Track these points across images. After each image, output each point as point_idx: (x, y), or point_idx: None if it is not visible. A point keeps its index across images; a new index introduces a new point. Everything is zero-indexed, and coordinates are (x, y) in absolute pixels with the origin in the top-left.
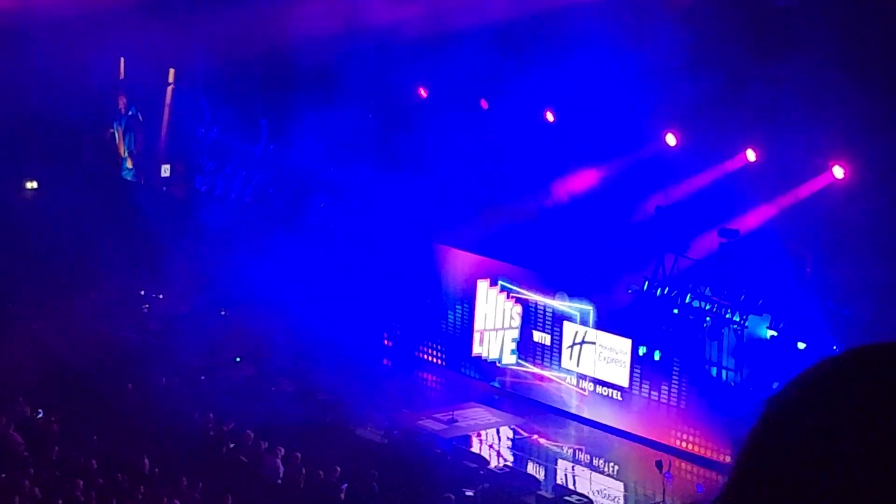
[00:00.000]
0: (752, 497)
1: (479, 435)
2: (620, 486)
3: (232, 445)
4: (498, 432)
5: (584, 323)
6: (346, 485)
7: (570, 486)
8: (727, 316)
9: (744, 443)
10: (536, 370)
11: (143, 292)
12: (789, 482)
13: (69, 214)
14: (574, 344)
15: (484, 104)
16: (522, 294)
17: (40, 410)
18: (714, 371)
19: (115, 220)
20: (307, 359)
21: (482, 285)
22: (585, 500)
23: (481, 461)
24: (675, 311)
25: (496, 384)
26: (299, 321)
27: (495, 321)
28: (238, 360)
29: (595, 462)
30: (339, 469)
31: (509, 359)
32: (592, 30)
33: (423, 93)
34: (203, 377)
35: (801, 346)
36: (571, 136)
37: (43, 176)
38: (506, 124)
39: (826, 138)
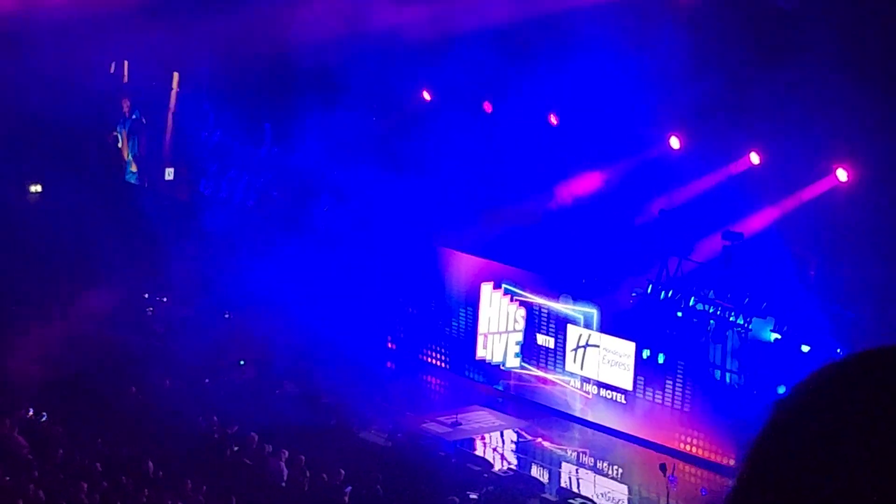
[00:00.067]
0: (757, 501)
1: (482, 438)
2: (624, 489)
3: (236, 448)
4: (502, 435)
5: (587, 326)
6: (349, 488)
7: (574, 490)
8: (731, 319)
9: (750, 447)
10: (540, 373)
11: (146, 295)
12: (793, 486)
13: (73, 217)
14: (578, 347)
15: (488, 107)
16: (526, 297)
17: (44, 413)
18: (718, 374)
19: (118, 223)
20: (311, 361)
21: (486, 288)
22: (589, 503)
23: (485, 464)
24: (679, 314)
25: (500, 387)
26: (303, 324)
27: (499, 324)
28: (242, 362)
29: (599, 465)
30: (342, 472)
31: (513, 362)
32: (596, 33)
33: (426, 96)
34: (207, 380)
35: (805, 348)
36: (575, 139)
37: (47, 179)
38: (509, 127)
39: (829, 141)
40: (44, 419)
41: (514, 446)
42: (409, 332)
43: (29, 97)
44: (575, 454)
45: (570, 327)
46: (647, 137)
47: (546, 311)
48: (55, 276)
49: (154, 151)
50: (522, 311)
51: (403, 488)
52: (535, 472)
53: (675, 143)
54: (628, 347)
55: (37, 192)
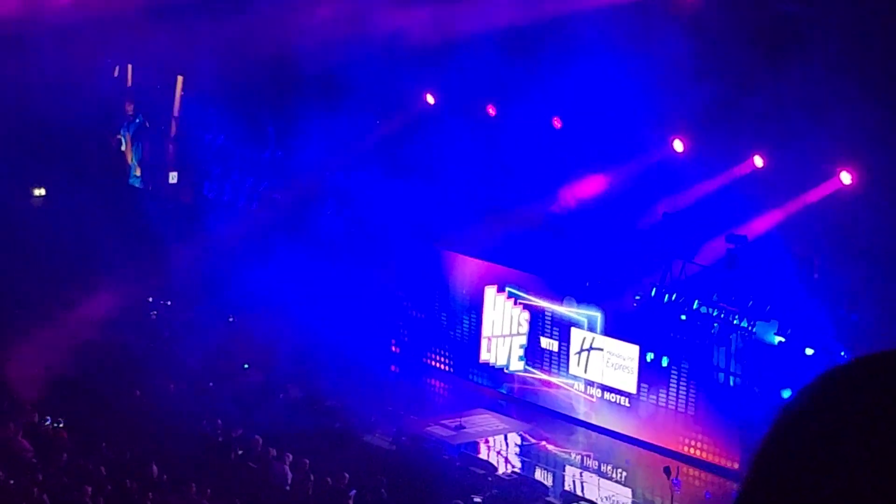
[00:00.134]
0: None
1: (486, 441)
2: (628, 492)
3: (240, 452)
4: (506, 439)
5: (591, 329)
6: (354, 491)
7: (578, 493)
8: (735, 322)
9: (755, 451)
10: (544, 376)
11: (150, 299)
12: (796, 488)
13: (77, 221)
14: (582, 350)
15: (491, 110)
16: (530, 300)
17: (48, 417)
18: (722, 377)
19: (122, 226)
20: (315, 365)
21: (490, 292)
22: None
23: (489, 467)
24: (683, 317)
25: (504, 391)
26: (307, 327)
27: (503, 328)
28: (246, 366)
29: (603, 468)
30: (347, 475)
31: (517, 365)
32: (600, 36)
33: (430, 99)
34: (211, 384)
35: (809, 352)
36: (579, 142)
37: (51, 183)
38: (513, 130)
39: (833, 144)
40: (48, 423)
41: (517, 449)
42: (413, 335)
43: (33, 100)
44: (579, 457)
45: (573, 330)
46: (650, 140)
47: (550, 314)
48: (59, 279)
49: (158, 155)
50: (526, 315)
51: (407, 492)
52: (539, 475)
53: (678, 146)
54: (632, 350)
55: (40, 196)
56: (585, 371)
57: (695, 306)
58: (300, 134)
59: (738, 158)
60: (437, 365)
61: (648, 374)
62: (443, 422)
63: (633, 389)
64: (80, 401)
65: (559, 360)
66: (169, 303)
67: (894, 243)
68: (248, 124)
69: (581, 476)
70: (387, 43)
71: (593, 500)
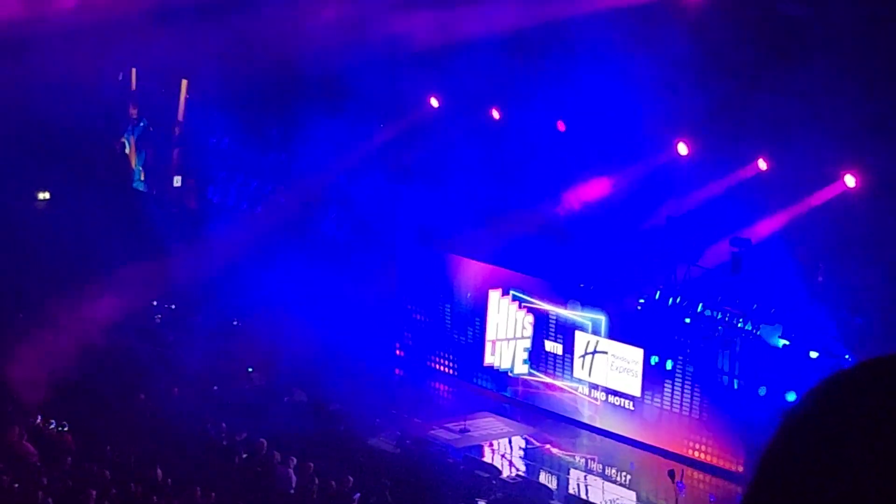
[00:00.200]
0: None
1: (491, 444)
2: (633, 495)
3: (244, 455)
4: (510, 442)
5: (596, 332)
6: (358, 495)
7: (583, 496)
8: (739, 325)
9: (761, 455)
10: (548, 380)
11: (155, 303)
12: (801, 491)
13: (81, 225)
14: (586, 353)
15: (496, 114)
16: (534, 304)
17: (53, 420)
18: (726, 380)
19: (126, 230)
20: (319, 369)
21: (494, 295)
22: None
23: (493, 471)
24: (687, 320)
25: (508, 394)
26: (311, 331)
27: (507, 331)
28: (250, 370)
29: (607, 471)
30: (351, 479)
31: (521, 368)
32: (603, 39)
33: (434, 102)
34: (215, 387)
35: (814, 355)
36: (583, 145)
37: (55, 186)
38: (517, 134)
39: (837, 147)
40: (52, 426)
41: (522, 453)
42: (417, 338)
43: (37, 104)
44: (583, 461)
45: (578, 334)
46: (654, 144)
47: (554, 317)
48: (63, 283)
49: (162, 159)
50: (530, 318)
51: (412, 495)
52: (544, 478)
53: (682, 149)
54: (636, 354)
55: (45, 199)
56: (590, 374)
57: (699, 309)
58: (304, 137)
59: (743, 161)
60: (442, 368)
61: (653, 377)
62: (447, 425)
63: (637, 393)
64: (85, 404)
65: (563, 363)
66: (173, 306)
67: None
68: (252, 128)
69: (585, 479)
70: (391, 46)
71: (597, 503)
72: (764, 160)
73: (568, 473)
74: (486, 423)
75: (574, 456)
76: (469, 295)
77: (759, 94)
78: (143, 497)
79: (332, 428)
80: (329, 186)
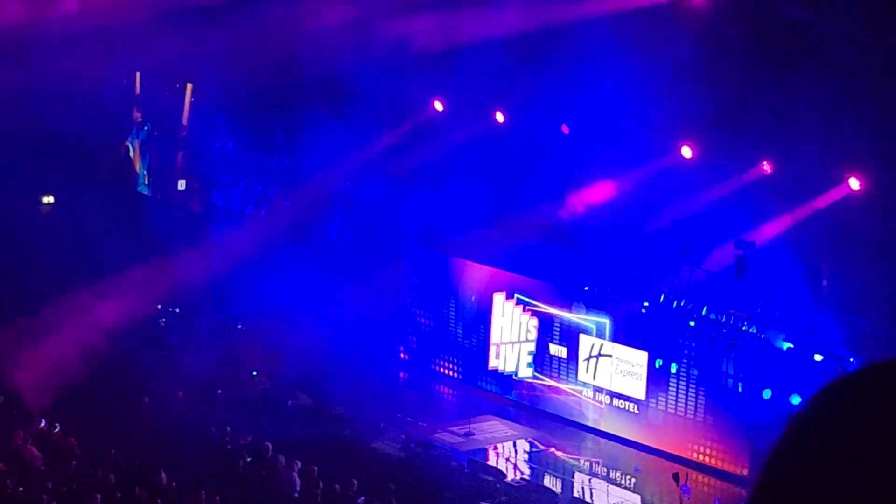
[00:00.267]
0: None
1: (495, 448)
2: (637, 498)
3: (249, 459)
4: (515, 445)
5: (600, 336)
6: (363, 498)
7: (587, 499)
8: (743, 328)
9: (765, 458)
10: (553, 383)
11: (159, 306)
12: (806, 495)
13: (85, 228)
14: (590, 357)
15: (500, 117)
16: (539, 307)
17: (57, 425)
18: (730, 383)
19: (131, 233)
20: (323, 372)
21: (498, 298)
22: None
23: (498, 474)
24: (692, 323)
25: (512, 397)
26: (315, 334)
27: (511, 334)
28: (255, 373)
29: (612, 475)
30: (355, 482)
31: (526, 372)
32: (608, 43)
33: (438, 106)
34: (220, 391)
35: (818, 358)
36: (587, 148)
37: (59, 190)
38: (522, 137)
39: (842, 150)
40: (57, 430)
41: (526, 456)
42: (422, 342)
43: (41, 108)
44: (588, 464)
45: (582, 337)
46: (659, 147)
47: (558, 321)
48: (68, 286)
49: (166, 162)
50: (535, 321)
51: (416, 499)
52: (548, 481)
53: (687, 152)
54: (641, 357)
55: (49, 203)
56: (594, 378)
57: (703, 312)
58: (309, 141)
59: (747, 164)
60: (446, 372)
61: (657, 380)
62: (452, 428)
63: (641, 396)
64: (89, 408)
65: (568, 366)
66: (177, 310)
67: None
68: (256, 132)
69: (590, 483)
70: (395, 50)
71: None
72: (768, 163)
73: (572, 477)
74: (491, 427)
75: (579, 459)
76: (473, 298)
77: (763, 97)
78: (147, 501)
79: (336, 431)
80: (333, 190)
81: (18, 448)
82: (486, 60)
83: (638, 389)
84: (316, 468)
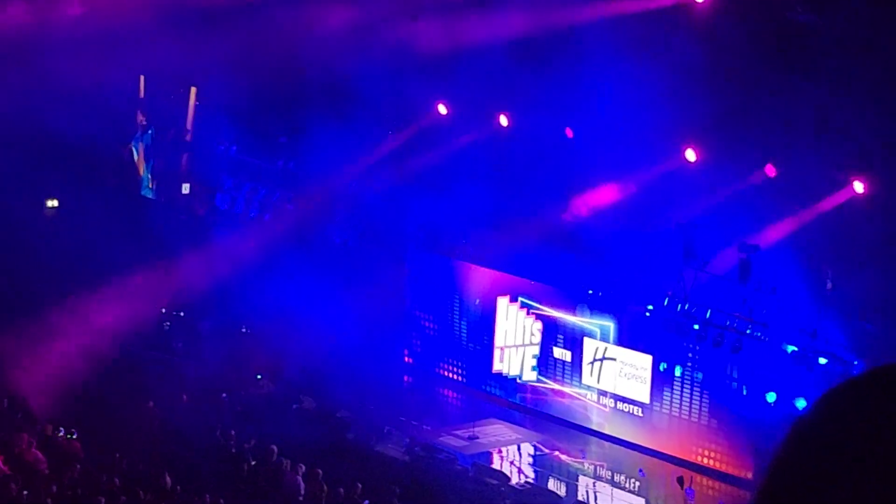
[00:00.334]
0: None
1: (499, 451)
2: (642, 502)
3: (253, 462)
4: (519, 449)
5: (604, 339)
6: (367, 502)
7: (592, 503)
8: (748, 331)
9: (769, 461)
10: (557, 386)
11: (163, 310)
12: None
13: (90, 232)
14: (595, 360)
15: (504, 120)
16: (543, 310)
17: (62, 428)
18: (735, 386)
19: (135, 237)
20: (328, 376)
21: (502, 302)
22: None
23: (502, 477)
24: (696, 326)
25: (517, 400)
26: (319, 338)
27: (516, 338)
28: (259, 377)
29: (616, 478)
30: (360, 486)
31: (530, 375)
32: (612, 46)
33: (442, 109)
34: (224, 394)
35: (823, 361)
36: (591, 151)
37: (63, 194)
38: (526, 140)
39: (846, 153)
40: (61, 434)
41: (531, 460)
42: (426, 345)
43: (44, 112)
44: (592, 467)
45: (586, 340)
46: (663, 150)
47: (562, 324)
48: (72, 290)
49: (171, 166)
50: (539, 325)
51: (420, 502)
52: (553, 485)
53: (691, 155)
54: (645, 360)
55: (53, 207)
56: (598, 381)
57: (707, 315)
58: (312, 145)
59: (751, 167)
60: (450, 375)
61: (661, 383)
62: (456, 432)
63: (646, 399)
64: (94, 412)
65: (572, 370)
66: (182, 314)
67: None
68: (260, 135)
69: (594, 486)
70: (399, 53)
71: None
72: (772, 166)
73: (577, 480)
74: (495, 430)
75: (583, 463)
76: (477, 302)
77: (767, 100)
78: None
79: (340, 435)
80: (337, 193)
81: (23, 452)
82: (489, 64)
83: (642, 393)
84: (320, 471)
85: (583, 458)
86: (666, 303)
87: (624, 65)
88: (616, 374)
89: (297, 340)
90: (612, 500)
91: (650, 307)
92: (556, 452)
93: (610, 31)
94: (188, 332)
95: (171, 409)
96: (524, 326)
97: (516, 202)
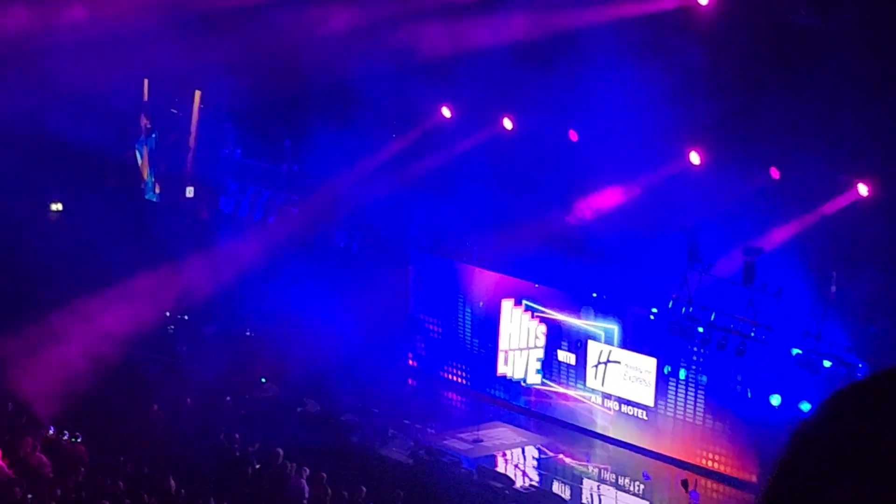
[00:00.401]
0: None
1: (504, 454)
2: None
3: (258, 466)
4: (523, 452)
5: (608, 342)
6: None
7: None
8: (752, 334)
9: (774, 465)
10: (561, 389)
11: (167, 313)
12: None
13: (94, 236)
14: (599, 363)
15: (508, 123)
16: (547, 313)
17: (66, 432)
18: (739, 389)
19: (139, 241)
20: (332, 379)
21: (507, 305)
22: None
23: (507, 481)
24: (700, 329)
25: (521, 404)
26: (324, 341)
27: (520, 341)
28: (263, 380)
29: (621, 481)
30: (364, 489)
31: (534, 378)
32: (615, 49)
33: (446, 112)
34: (228, 398)
35: (827, 364)
36: (595, 154)
37: (68, 197)
38: (530, 143)
39: (850, 156)
40: (65, 438)
41: (535, 463)
42: (430, 348)
43: (49, 116)
44: (596, 470)
45: (591, 343)
46: (667, 153)
47: (567, 327)
48: (76, 294)
49: (175, 170)
50: (543, 328)
51: None
52: (557, 488)
53: (695, 158)
54: (650, 363)
55: (57, 211)
56: (603, 384)
57: (712, 318)
58: (316, 148)
59: (755, 170)
60: (455, 378)
61: (666, 386)
62: (460, 435)
63: (650, 402)
64: (98, 415)
65: (576, 373)
66: (186, 317)
67: None
68: (264, 139)
69: (599, 489)
70: (402, 56)
71: None
72: (776, 169)
73: (581, 483)
74: (500, 433)
75: (587, 466)
76: (482, 304)
77: (771, 102)
78: None
79: (345, 438)
80: (341, 197)
81: (27, 456)
82: (493, 66)
83: (647, 396)
84: (324, 475)
85: (587, 461)
86: (670, 305)
87: (628, 68)
88: (620, 377)
89: (301, 344)
90: (616, 503)
91: (654, 310)
92: (561, 455)
93: (614, 33)
94: (192, 335)
95: (176, 412)
96: (528, 329)
97: (520, 205)
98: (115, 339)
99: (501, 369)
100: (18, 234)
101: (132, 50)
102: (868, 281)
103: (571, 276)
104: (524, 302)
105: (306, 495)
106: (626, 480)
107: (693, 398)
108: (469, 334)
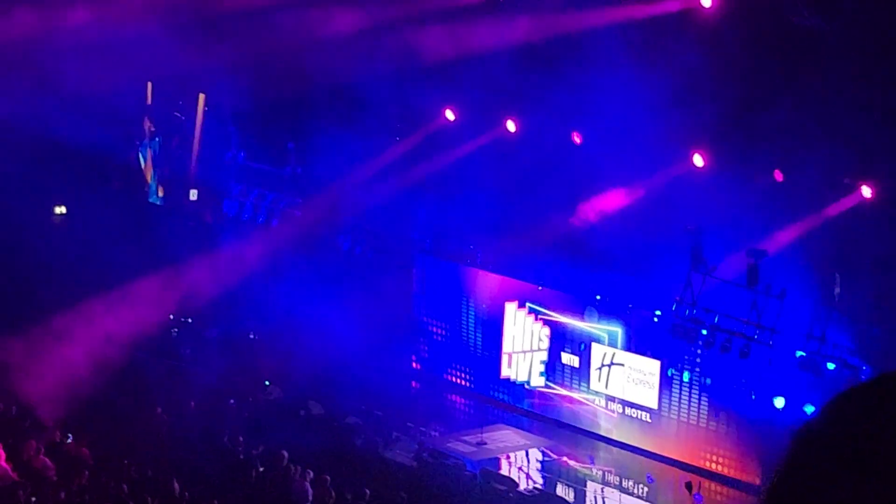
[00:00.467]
0: None
1: (508, 457)
2: None
3: (261, 469)
4: (527, 454)
5: (612, 344)
6: None
7: None
8: (755, 336)
9: (776, 467)
10: (565, 392)
11: (171, 316)
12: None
13: (98, 239)
14: (603, 366)
15: (511, 126)
16: (551, 316)
17: (70, 435)
18: (742, 392)
19: (143, 244)
20: (335, 382)
21: (510, 307)
22: None
23: (511, 483)
24: (704, 331)
25: (525, 406)
26: (327, 344)
27: (523, 343)
28: (267, 383)
29: (624, 484)
30: (367, 492)
31: (538, 381)
32: (618, 51)
33: (449, 115)
34: (232, 401)
35: (831, 366)
36: (598, 157)
37: (71, 201)
38: (533, 145)
39: (854, 158)
40: (69, 441)
41: (539, 465)
42: (434, 351)
43: (52, 118)
44: (600, 473)
45: (594, 346)
46: (670, 155)
47: (570, 329)
48: (79, 297)
49: (178, 173)
50: (547, 330)
51: None
52: (561, 491)
53: (698, 160)
54: (653, 365)
55: (61, 214)
56: (606, 386)
57: (715, 321)
58: (320, 151)
59: (759, 172)
60: (458, 381)
61: (669, 389)
62: (464, 438)
63: (654, 404)
64: (102, 419)
65: (580, 375)
66: (189, 320)
67: None
68: (267, 142)
69: (602, 492)
70: (405, 59)
71: None
72: (780, 171)
73: (585, 486)
74: (503, 436)
75: (591, 468)
76: (485, 307)
77: (774, 105)
78: None
79: (348, 441)
80: (344, 199)
81: (31, 459)
82: (497, 69)
83: (650, 398)
84: (328, 478)
85: (591, 463)
86: (674, 308)
87: (631, 70)
88: (624, 379)
89: (305, 346)
90: None
91: (658, 312)
92: (565, 458)
93: (617, 36)
94: (196, 338)
95: (179, 415)
96: (532, 332)
97: (524, 207)
98: (118, 342)
99: (505, 372)
100: (22, 237)
101: (136, 53)
102: (872, 283)
103: (575, 279)
104: (528, 304)
105: (310, 498)
106: (630, 483)
107: (697, 401)
108: (472, 337)
